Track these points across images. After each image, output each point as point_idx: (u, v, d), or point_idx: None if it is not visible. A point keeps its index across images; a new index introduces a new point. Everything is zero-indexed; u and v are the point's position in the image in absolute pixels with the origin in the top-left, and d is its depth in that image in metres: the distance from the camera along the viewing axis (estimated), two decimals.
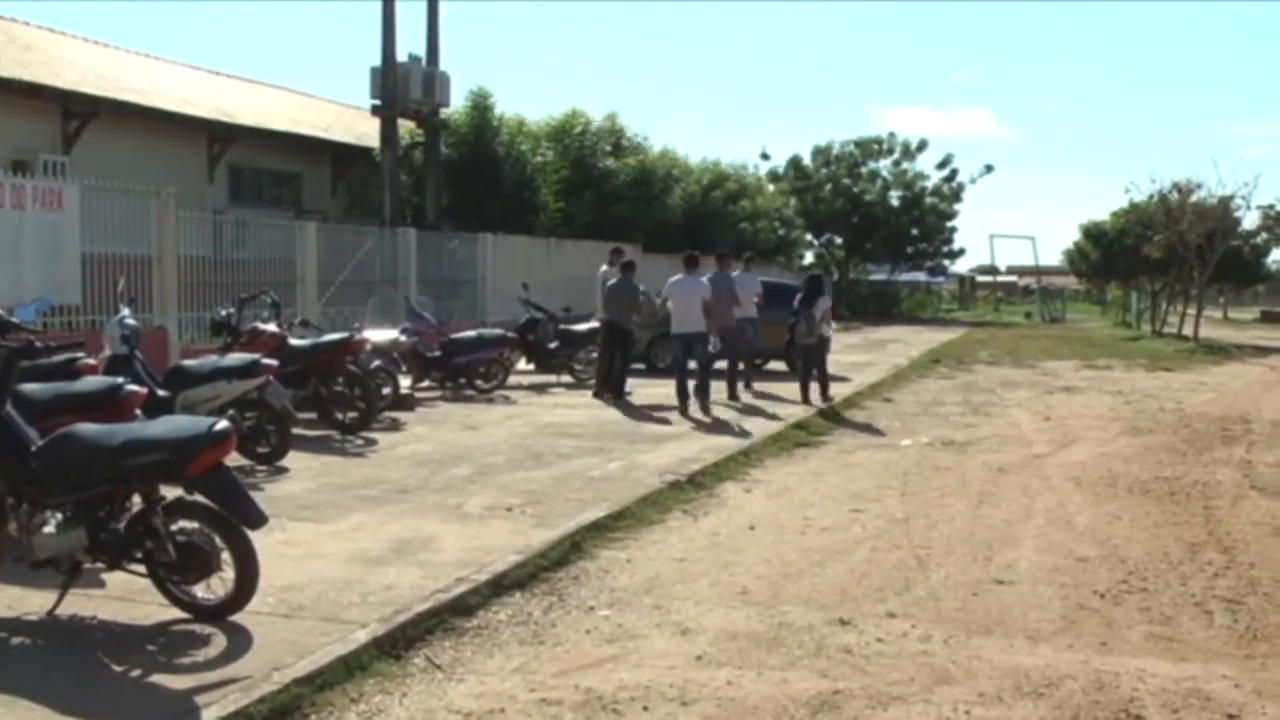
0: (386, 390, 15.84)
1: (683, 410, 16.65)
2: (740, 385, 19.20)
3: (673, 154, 39.64)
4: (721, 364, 18.37)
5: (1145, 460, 13.37)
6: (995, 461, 13.09)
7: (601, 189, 33.15)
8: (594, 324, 21.97)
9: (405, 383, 17.36)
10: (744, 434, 14.48)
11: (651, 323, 21.41)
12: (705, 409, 16.77)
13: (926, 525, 9.66)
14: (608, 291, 18.34)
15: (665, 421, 15.73)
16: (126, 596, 6.92)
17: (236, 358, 11.73)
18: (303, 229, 20.43)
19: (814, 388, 18.43)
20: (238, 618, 6.53)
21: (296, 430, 12.58)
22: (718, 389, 17.97)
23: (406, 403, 16.49)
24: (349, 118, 32.75)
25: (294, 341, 14.11)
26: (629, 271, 18.55)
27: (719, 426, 15.25)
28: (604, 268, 20.54)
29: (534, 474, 11.41)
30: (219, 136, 26.19)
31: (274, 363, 11.74)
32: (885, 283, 70.20)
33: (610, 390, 18.07)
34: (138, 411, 8.38)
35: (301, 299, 19.54)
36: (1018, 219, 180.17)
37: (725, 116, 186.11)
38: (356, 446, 13.20)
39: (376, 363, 15.76)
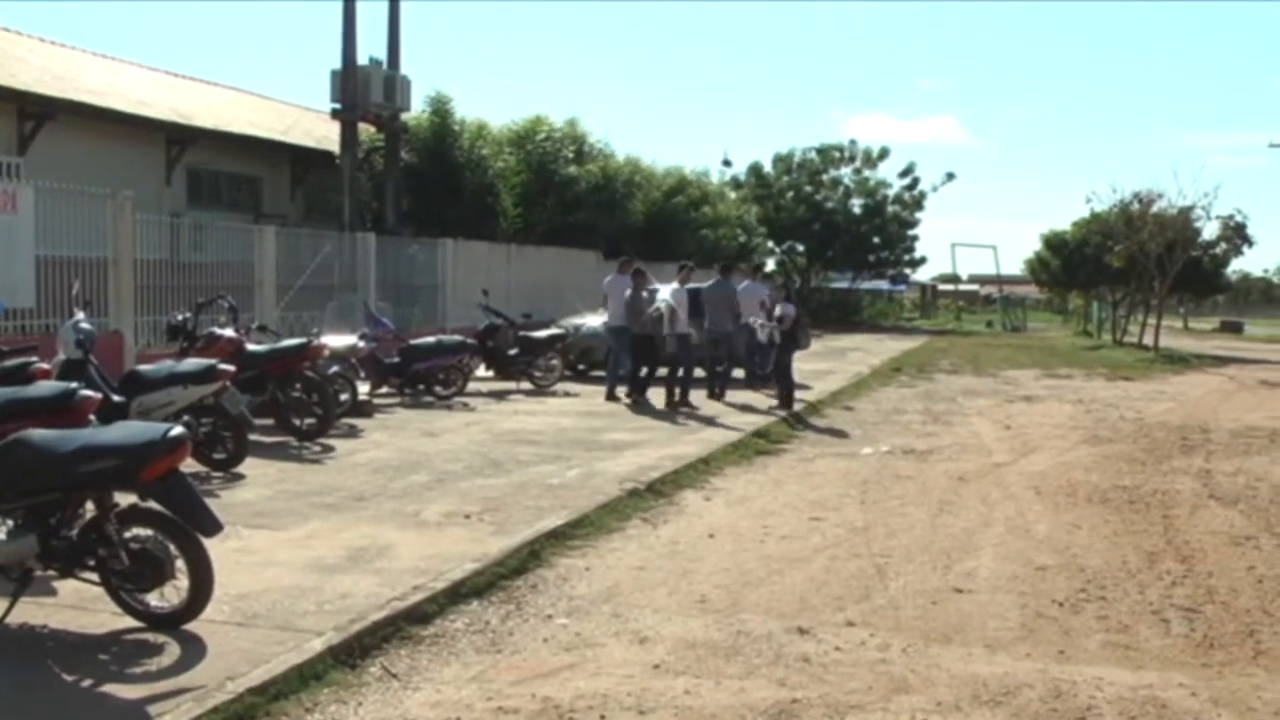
0: (344, 396, 15.78)
1: (681, 403, 18.10)
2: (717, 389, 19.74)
3: (635, 160, 39.66)
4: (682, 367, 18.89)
5: (1105, 469, 13.49)
6: (955, 470, 13.18)
7: (562, 195, 33.14)
8: (554, 330, 22.08)
9: (363, 389, 17.28)
10: (704, 440, 14.52)
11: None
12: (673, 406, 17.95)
13: (886, 534, 9.71)
14: (628, 302, 18.89)
15: (705, 420, 15.92)
16: (79, 605, 6.86)
17: (193, 363, 11.66)
18: (261, 233, 20.31)
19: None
20: (192, 626, 6.48)
21: (253, 436, 12.48)
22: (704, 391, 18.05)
23: (365, 409, 16.42)
24: (309, 121, 32.57)
25: (251, 347, 14.03)
26: (638, 280, 19.12)
27: (680, 433, 15.27)
28: (610, 277, 20.67)
29: (492, 481, 11.39)
30: (177, 139, 25.96)
31: (231, 368, 11.66)
32: (847, 291, 70.48)
33: (632, 391, 18.84)
34: (92, 417, 8.30)
35: (259, 304, 19.41)
36: (980, 228, 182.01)
37: (688, 122, 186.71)
38: (314, 453, 13.14)
39: (335, 369, 15.71)
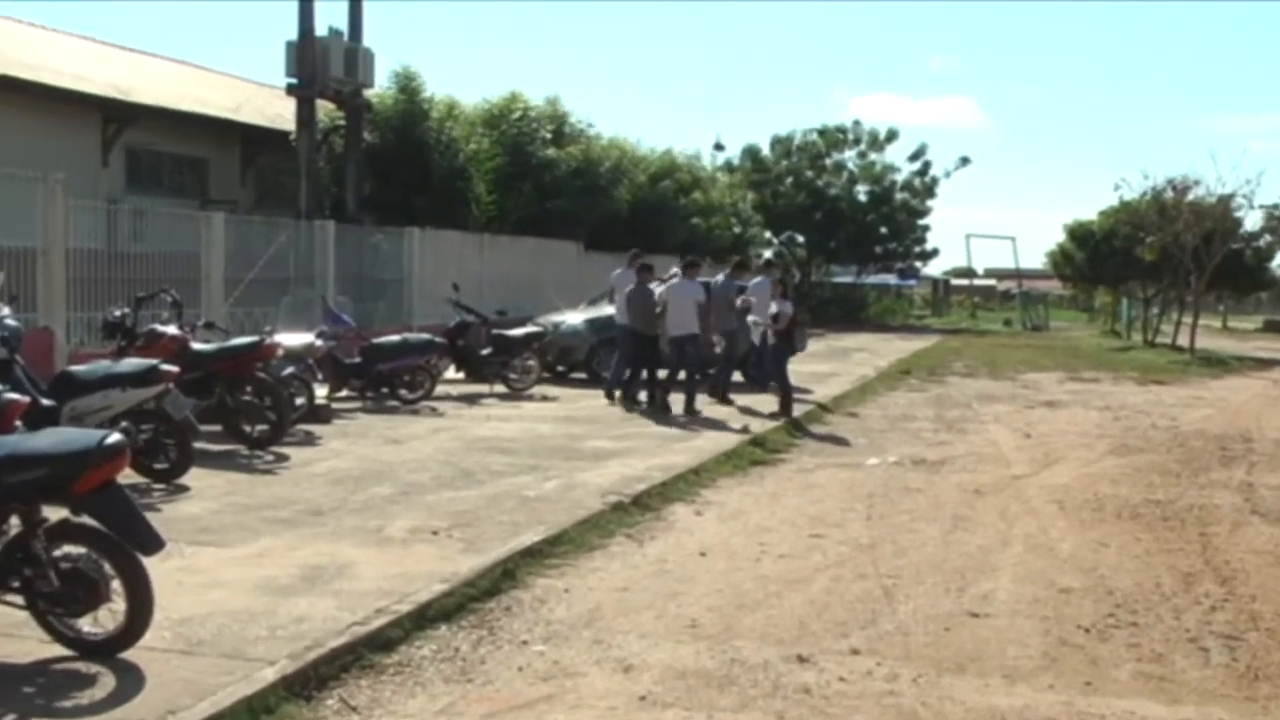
0: (300, 400, 15.73)
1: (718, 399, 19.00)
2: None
3: (620, 143, 39.66)
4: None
5: (1135, 482, 13.51)
6: (970, 482, 13.18)
7: (541, 180, 33.10)
8: (531, 328, 22.08)
9: (321, 392, 17.21)
10: (695, 449, 14.50)
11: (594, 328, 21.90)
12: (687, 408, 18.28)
13: (894, 552, 9.70)
14: (628, 297, 19.29)
15: (697, 426, 16.07)
16: (2, 631, 6.80)
17: (132, 363, 11.60)
18: (208, 220, 20.23)
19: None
20: (128, 655, 6.43)
21: (199, 444, 12.44)
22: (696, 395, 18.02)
23: (322, 414, 16.37)
24: (261, 97, 32.49)
25: (197, 345, 13.96)
26: (644, 275, 19.39)
27: (668, 441, 15.25)
28: (618, 271, 20.79)
29: (463, 494, 11.36)
30: (115, 116, 25.87)
31: (174, 369, 11.61)
32: (851, 286, 70.60)
33: (651, 400, 18.93)
34: (18, 423, 8.23)
35: (206, 298, 19.35)
36: (997, 217, 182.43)
37: (677, 101, 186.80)
38: (266, 463, 13.09)
39: (289, 370, 15.64)
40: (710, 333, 19.49)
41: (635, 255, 21.50)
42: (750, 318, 20.44)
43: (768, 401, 18.98)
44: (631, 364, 19.39)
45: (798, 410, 18.76)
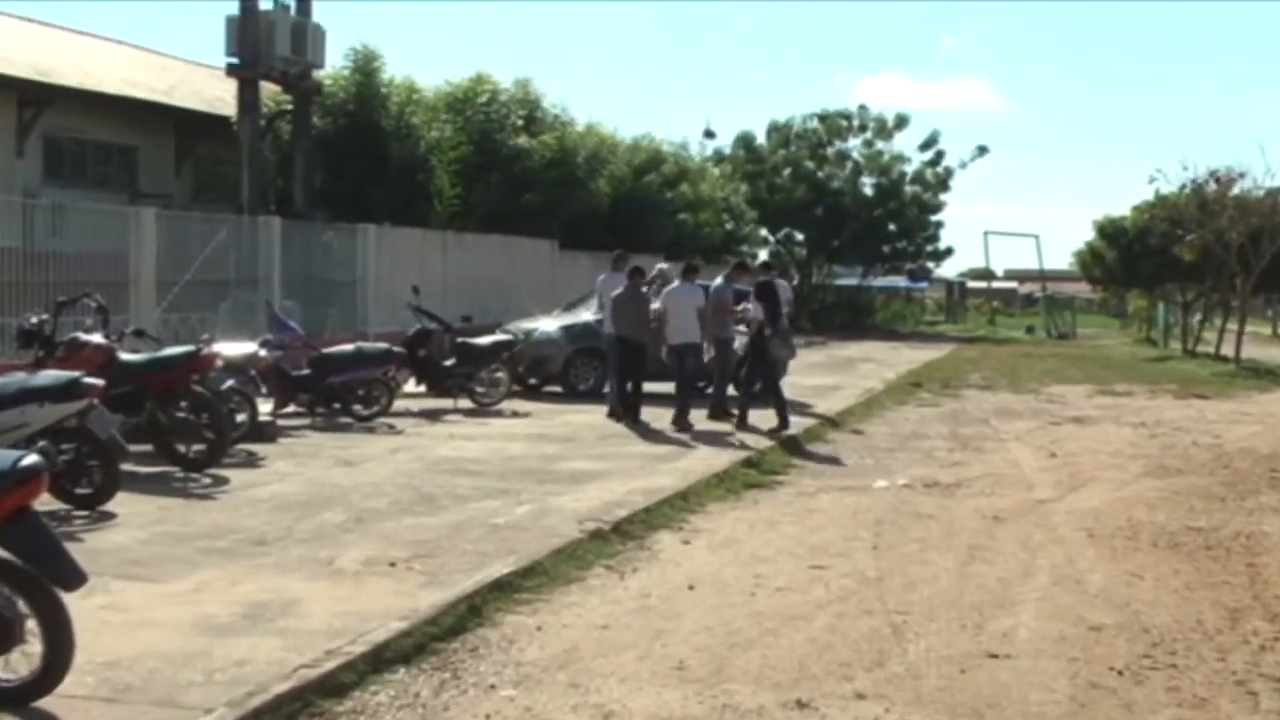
0: (242, 417, 15.68)
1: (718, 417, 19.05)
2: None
3: (598, 130, 39.69)
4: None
5: (1174, 507, 13.52)
6: (989, 507, 13.19)
7: (510, 171, 33.13)
8: (500, 337, 22.09)
9: (265, 408, 17.19)
10: (683, 470, 14.49)
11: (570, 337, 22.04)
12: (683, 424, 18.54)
13: (904, 585, 9.69)
14: (614, 302, 19.51)
15: (684, 445, 16.35)
16: None
17: (51, 375, 11.51)
18: (138, 216, 20.19)
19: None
20: (45, 703, 6.39)
21: (127, 466, 12.39)
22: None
23: (267, 432, 16.33)
24: (199, 79, 32.44)
25: (125, 356, 13.91)
26: (635, 278, 19.63)
27: (653, 462, 15.25)
28: (603, 276, 20.89)
29: (424, 520, 11.34)
30: (32, 99, 25.78)
31: (99, 382, 11.53)
32: (856, 289, 70.82)
33: (628, 414, 19.10)
34: None
35: (136, 303, 19.30)
36: (1018, 213, 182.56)
37: (662, 84, 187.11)
38: (203, 487, 13.05)
39: (230, 383, 15.58)
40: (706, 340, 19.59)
41: (620, 257, 21.56)
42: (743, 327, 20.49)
43: (765, 417, 18.99)
44: (620, 374, 19.57)
45: (797, 427, 18.78)
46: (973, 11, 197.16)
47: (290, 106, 28.75)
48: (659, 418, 18.83)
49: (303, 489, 12.93)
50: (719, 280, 20.60)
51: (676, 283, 19.92)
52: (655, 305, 19.89)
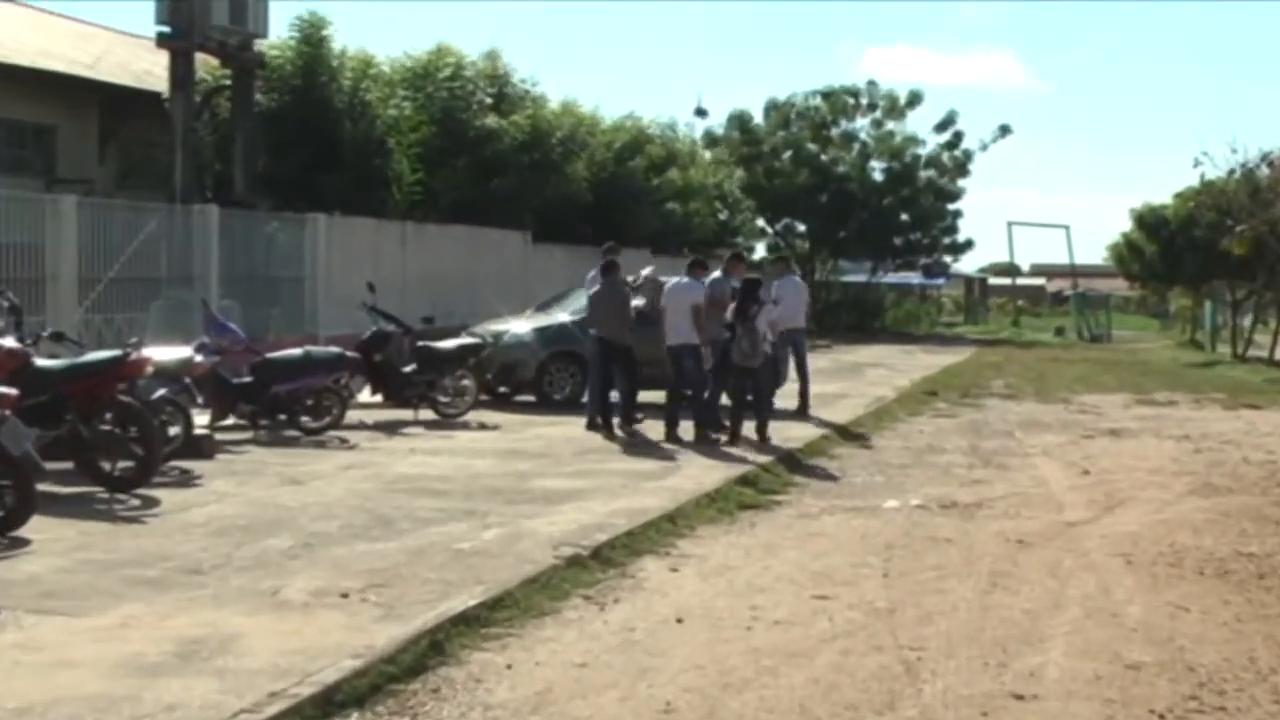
0: (175, 430, 15.64)
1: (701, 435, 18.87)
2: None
3: (576, 109, 39.73)
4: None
5: (1223, 530, 13.54)
6: (1013, 530, 13.20)
7: (478, 155, 33.14)
8: (466, 340, 22.06)
9: (202, 420, 17.16)
10: (670, 489, 14.49)
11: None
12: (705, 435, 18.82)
13: (918, 618, 9.69)
14: (591, 301, 19.95)
15: (671, 460, 16.49)
16: None
17: None
18: (56, 205, 20.14)
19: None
20: None
21: (43, 486, 12.32)
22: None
23: (203, 447, 16.28)
24: (125, 50, 32.37)
25: (42, 362, 13.86)
26: (612, 273, 19.83)
27: (637, 479, 15.23)
28: (593, 273, 21.12)
29: (380, 546, 11.31)
30: None
31: (12, 391, 11.52)
32: (864, 286, 70.91)
33: (624, 420, 19.49)
34: None
35: (54, 302, 19.25)
36: (1046, 201, 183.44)
37: (647, 57, 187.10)
38: (130, 509, 13.00)
39: (161, 391, 15.54)
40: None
41: (612, 250, 21.58)
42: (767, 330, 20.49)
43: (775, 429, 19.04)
44: (601, 380, 19.75)
45: (798, 441, 18.82)
46: None
47: (229, 81, 28.67)
48: (653, 429, 18.91)
49: (244, 511, 12.88)
50: (715, 274, 20.67)
51: (677, 278, 20.04)
52: (637, 302, 19.96)
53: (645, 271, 22.61)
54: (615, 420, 19.62)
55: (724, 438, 18.84)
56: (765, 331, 19.24)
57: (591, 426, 19.50)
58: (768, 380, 19.85)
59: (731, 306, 19.27)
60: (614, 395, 20.10)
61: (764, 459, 17.29)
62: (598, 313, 19.64)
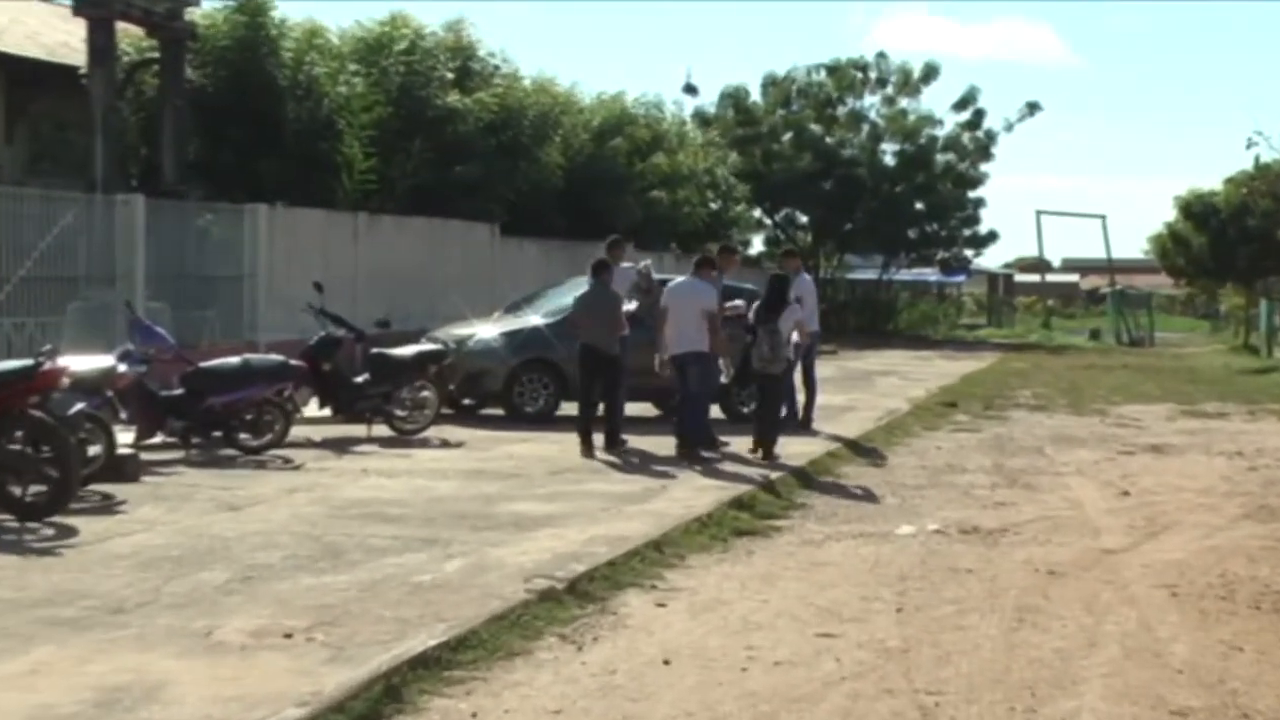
0: (95, 449, 15.61)
1: (685, 453, 18.98)
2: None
3: (549, 86, 39.71)
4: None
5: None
6: (1043, 559, 13.21)
7: (439, 138, 33.09)
8: (426, 346, 22.05)
9: (126, 438, 17.12)
10: (656, 514, 14.48)
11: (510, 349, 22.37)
12: (692, 453, 18.93)
13: (935, 658, 9.69)
14: (576, 305, 20.10)
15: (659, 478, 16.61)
16: None
17: None
18: None
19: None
20: None
21: None
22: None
23: (127, 469, 16.25)
24: (35, 18, 32.29)
25: None
26: (602, 274, 19.89)
27: (618, 502, 15.22)
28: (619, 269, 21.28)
29: (329, 580, 11.29)
30: None
31: None
32: (875, 284, 70.99)
33: (608, 442, 19.52)
34: None
35: None
36: (1080, 187, 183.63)
37: (630, 28, 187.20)
38: (43, 539, 12.94)
39: (79, 406, 15.51)
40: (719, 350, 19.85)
41: (616, 244, 21.61)
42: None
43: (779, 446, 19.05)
44: (587, 392, 19.87)
45: (800, 458, 18.84)
46: None
47: (156, 55, 28.62)
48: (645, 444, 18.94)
49: (173, 541, 12.84)
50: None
51: (681, 278, 20.07)
52: (629, 306, 20.02)
53: (639, 267, 22.56)
54: (598, 439, 19.65)
55: (717, 455, 18.94)
56: (790, 334, 19.37)
57: (586, 446, 19.53)
58: (787, 390, 19.95)
59: (755, 306, 19.43)
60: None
61: (762, 479, 17.29)
62: (584, 317, 19.75)
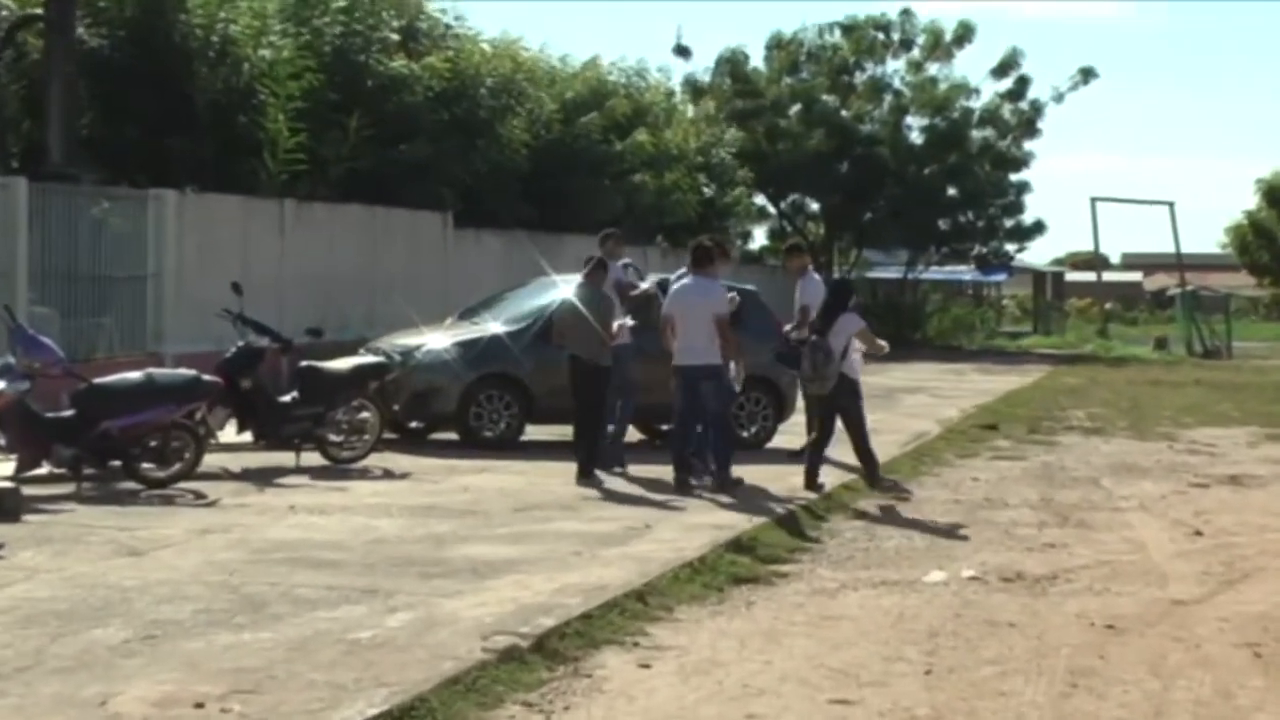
0: None
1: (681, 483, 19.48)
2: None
3: (512, 49, 39.71)
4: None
5: None
6: (1100, 612, 13.22)
7: (381, 110, 33.06)
8: (366, 359, 22.07)
9: (5, 469, 17.10)
10: (639, 557, 14.48)
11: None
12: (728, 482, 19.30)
13: None
14: (562, 310, 20.43)
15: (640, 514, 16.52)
16: None
17: None
18: None
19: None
20: None
21: None
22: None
23: (6, 505, 16.25)
24: None
25: None
26: (596, 275, 20.21)
27: (594, 544, 15.21)
28: (616, 264, 21.47)
29: (249, 638, 11.26)
30: None
31: None
32: (899, 284, 71.06)
33: (606, 463, 20.08)
34: None
35: None
36: (1142, 169, 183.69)
37: None
38: None
39: None
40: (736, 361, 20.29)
41: (611, 238, 21.66)
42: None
43: (778, 475, 19.06)
44: (584, 412, 20.16)
45: (810, 492, 18.85)
46: None
47: (40, 11, 28.61)
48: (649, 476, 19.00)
49: (62, 592, 12.80)
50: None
51: (688, 279, 20.21)
52: (627, 322, 20.17)
53: (623, 264, 22.59)
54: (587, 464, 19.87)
55: (706, 480, 19.25)
56: (843, 348, 19.44)
57: (584, 476, 19.72)
58: (852, 409, 20.15)
59: (812, 313, 19.60)
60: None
61: (763, 516, 17.31)
62: (572, 325, 19.93)
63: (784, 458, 21.96)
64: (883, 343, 21.44)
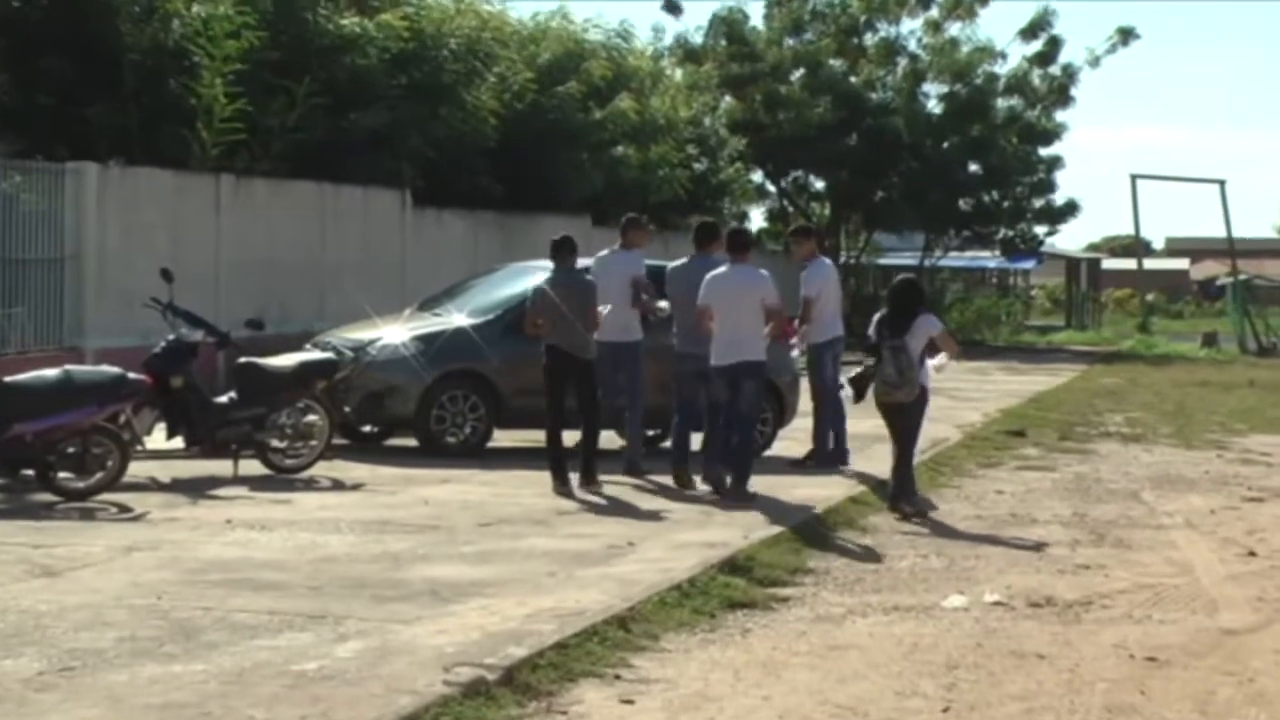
0: None
1: (682, 483, 20.20)
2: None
3: (477, 6, 39.66)
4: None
5: None
6: (1141, 642, 13.24)
7: (330, 75, 33.02)
8: (312, 355, 22.02)
9: None
10: (621, 579, 14.47)
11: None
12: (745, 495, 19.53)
13: None
14: (535, 296, 20.42)
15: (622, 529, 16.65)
16: None
17: None
18: None
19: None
20: None
21: None
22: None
23: None
24: None
25: None
26: (563, 254, 20.42)
27: (570, 563, 15.20)
28: (605, 252, 21.93)
29: (179, 669, 11.24)
30: None
31: None
32: (916, 271, 71.05)
33: (584, 477, 20.05)
34: None
35: None
36: (1189, 143, 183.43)
37: None
38: None
39: None
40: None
41: (633, 224, 21.72)
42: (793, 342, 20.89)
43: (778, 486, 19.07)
44: (556, 408, 20.27)
45: (818, 504, 18.87)
46: None
47: None
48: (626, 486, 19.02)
49: None
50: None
51: (725, 267, 20.22)
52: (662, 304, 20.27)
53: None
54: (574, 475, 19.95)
55: (701, 488, 19.25)
56: (920, 352, 19.49)
57: (561, 485, 19.84)
58: (916, 424, 20.33)
59: (875, 319, 19.96)
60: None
61: (762, 532, 17.30)
62: (546, 312, 19.93)
63: (784, 466, 22.02)
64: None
